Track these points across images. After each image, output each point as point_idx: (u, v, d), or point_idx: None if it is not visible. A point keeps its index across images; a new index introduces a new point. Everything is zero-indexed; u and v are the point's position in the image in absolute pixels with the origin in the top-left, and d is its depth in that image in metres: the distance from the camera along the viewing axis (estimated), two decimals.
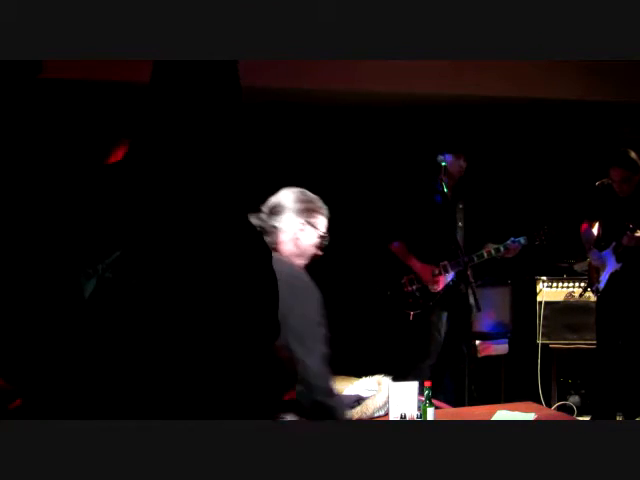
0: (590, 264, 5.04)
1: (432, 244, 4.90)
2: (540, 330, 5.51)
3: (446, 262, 4.89)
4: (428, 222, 4.88)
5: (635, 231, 4.60)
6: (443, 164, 4.73)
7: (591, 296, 5.17)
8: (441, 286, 4.92)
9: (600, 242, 4.92)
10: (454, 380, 4.89)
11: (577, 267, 5.60)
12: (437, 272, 4.88)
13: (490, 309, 5.49)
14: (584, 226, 5.03)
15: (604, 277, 4.87)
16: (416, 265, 4.89)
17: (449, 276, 4.91)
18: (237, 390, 1.38)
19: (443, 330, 4.92)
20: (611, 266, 4.82)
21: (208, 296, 1.33)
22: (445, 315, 4.94)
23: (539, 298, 5.56)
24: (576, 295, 5.44)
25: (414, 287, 4.91)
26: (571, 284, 5.50)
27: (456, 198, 4.91)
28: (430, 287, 4.89)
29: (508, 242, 4.88)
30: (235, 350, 1.36)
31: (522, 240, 4.89)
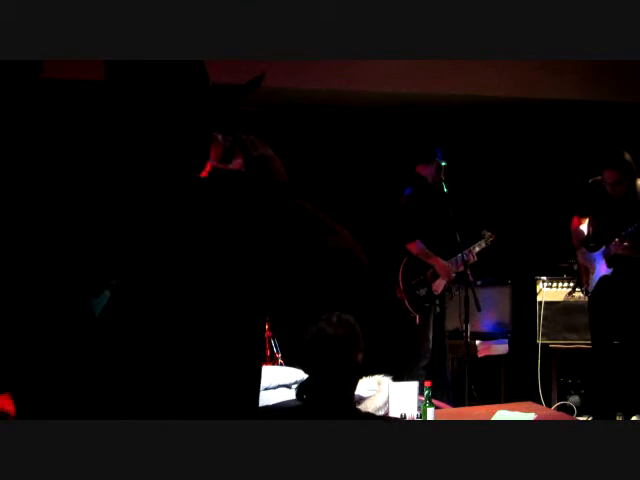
0: (579, 263, 5.03)
1: (433, 243, 4.91)
2: (540, 330, 5.51)
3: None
4: (428, 222, 4.89)
5: (625, 240, 4.58)
6: (443, 164, 4.73)
7: (581, 296, 5.17)
8: (441, 288, 4.93)
9: (589, 243, 4.91)
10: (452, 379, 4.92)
11: (577, 267, 5.59)
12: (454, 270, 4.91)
13: (490, 309, 5.49)
14: (574, 222, 5.01)
15: (594, 279, 4.86)
16: (438, 263, 4.88)
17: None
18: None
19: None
20: (601, 270, 4.80)
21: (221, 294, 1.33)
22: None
23: (539, 298, 5.56)
24: (566, 294, 5.47)
25: (424, 290, 4.91)
26: (571, 284, 5.50)
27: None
28: (444, 283, 4.89)
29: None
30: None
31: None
